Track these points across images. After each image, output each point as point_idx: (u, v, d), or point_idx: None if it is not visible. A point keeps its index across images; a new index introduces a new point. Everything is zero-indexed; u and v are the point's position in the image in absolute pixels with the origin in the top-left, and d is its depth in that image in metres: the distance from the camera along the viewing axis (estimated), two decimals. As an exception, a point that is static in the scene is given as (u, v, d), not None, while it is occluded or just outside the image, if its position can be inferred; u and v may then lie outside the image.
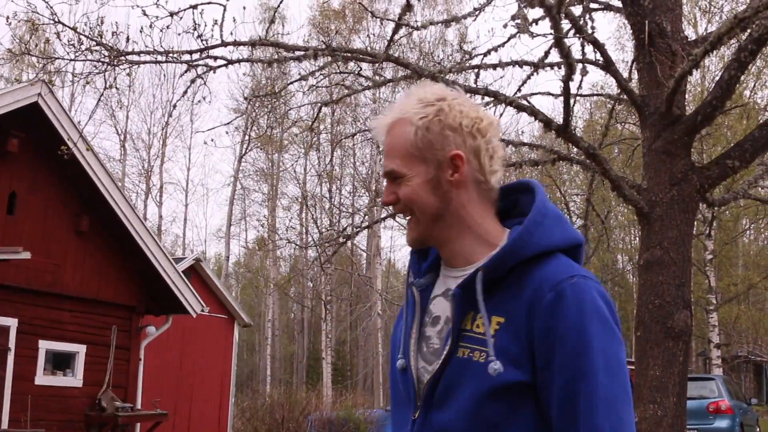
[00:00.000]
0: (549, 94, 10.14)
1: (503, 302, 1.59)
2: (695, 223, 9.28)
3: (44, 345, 12.91)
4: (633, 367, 7.92)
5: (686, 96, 8.75)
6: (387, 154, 1.68)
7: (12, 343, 12.41)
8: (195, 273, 19.28)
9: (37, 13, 7.80)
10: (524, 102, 8.31)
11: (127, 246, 13.80)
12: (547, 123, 7.65)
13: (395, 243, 71.59)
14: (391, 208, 1.72)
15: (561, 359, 1.51)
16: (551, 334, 1.52)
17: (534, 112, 7.84)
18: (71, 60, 7.83)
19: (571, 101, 7.57)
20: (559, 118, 8.03)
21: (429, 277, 1.73)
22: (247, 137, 35.47)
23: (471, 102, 1.69)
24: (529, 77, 9.34)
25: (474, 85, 8.70)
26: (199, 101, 9.03)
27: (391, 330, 1.86)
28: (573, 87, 7.64)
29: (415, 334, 1.70)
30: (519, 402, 1.54)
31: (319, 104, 10.98)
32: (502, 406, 1.54)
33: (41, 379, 12.85)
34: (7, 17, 8.85)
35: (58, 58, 8.52)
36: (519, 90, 9.31)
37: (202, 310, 15.12)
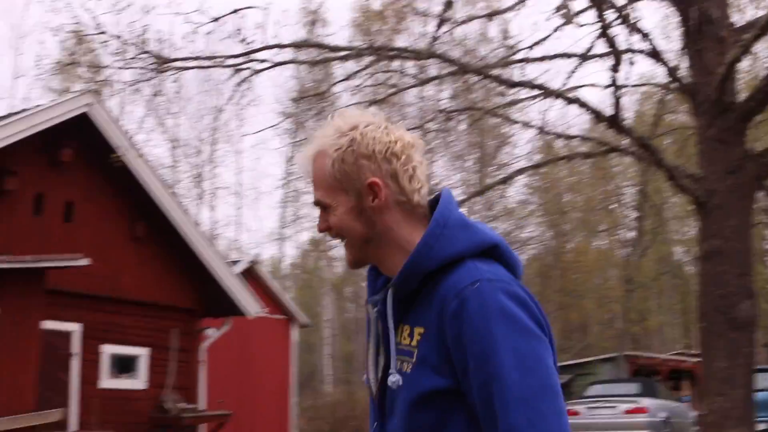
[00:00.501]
0: (597, 85, 10.05)
1: (423, 313, 1.64)
2: (755, 211, 9.13)
3: (107, 349, 13.24)
4: (699, 359, 7.82)
5: (737, 83, 8.61)
6: (313, 185, 1.76)
7: (77, 347, 12.74)
8: (251, 275, 19.46)
9: (83, 24, 7.97)
10: (572, 95, 8.26)
11: (183, 250, 14.04)
12: (596, 114, 7.60)
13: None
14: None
15: (473, 364, 1.55)
16: (460, 341, 1.56)
17: (583, 104, 7.80)
18: (119, 68, 8.01)
19: (620, 92, 7.51)
20: (607, 111, 7.97)
21: (383, 292, 1.74)
22: (295, 139, 35.74)
23: (386, 126, 1.73)
24: (575, 69, 9.27)
25: (520, 79, 8.68)
26: (246, 104, 9.14)
27: None
28: (621, 77, 7.58)
29: (372, 349, 1.76)
30: (449, 408, 1.60)
31: (366, 103, 11.05)
32: (432, 413, 1.60)
33: (106, 382, 13.16)
34: (54, 29, 9.08)
35: (106, 67, 8.71)
36: (566, 82, 9.26)
37: (260, 312, 15.30)
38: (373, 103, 11.85)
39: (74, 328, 12.75)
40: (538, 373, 1.53)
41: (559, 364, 1.70)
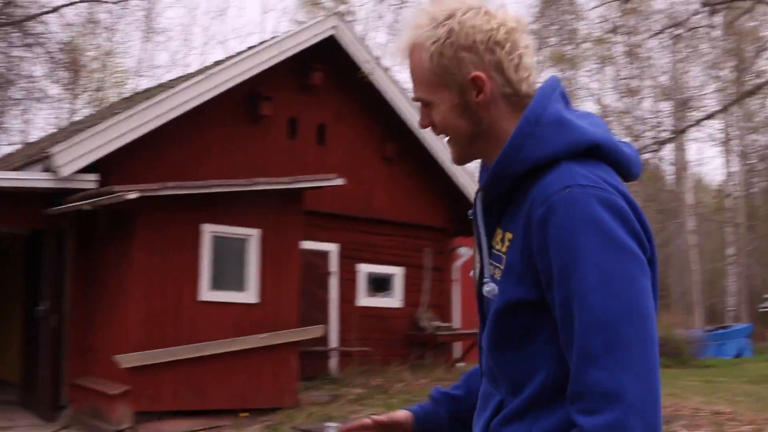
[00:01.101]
0: None
1: (514, 218, 1.52)
2: None
3: (363, 268, 13.50)
4: None
5: None
6: (413, 81, 1.62)
7: (334, 266, 13.09)
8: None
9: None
10: None
11: (433, 170, 13.93)
12: None
13: (703, 155, 67.19)
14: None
15: (557, 276, 1.41)
16: (546, 252, 1.42)
17: None
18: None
19: None
20: None
21: (475, 194, 1.65)
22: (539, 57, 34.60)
23: (487, 10, 1.54)
24: None
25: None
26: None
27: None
28: None
29: (477, 253, 1.64)
30: (533, 322, 1.49)
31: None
32: (515, 324, 1.50)
33: (363, 300, 13.47)
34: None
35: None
36: None
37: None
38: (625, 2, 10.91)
39: (331, 247, 13.10)
40: (625, 295, 1.37)
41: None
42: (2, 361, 13.44)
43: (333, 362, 12.86)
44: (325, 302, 12.93)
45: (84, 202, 9.51)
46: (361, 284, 13.52)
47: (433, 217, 14.34)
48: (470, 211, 1.67)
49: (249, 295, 10.42)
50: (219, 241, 10.26)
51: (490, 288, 1.54)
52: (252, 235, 10.49)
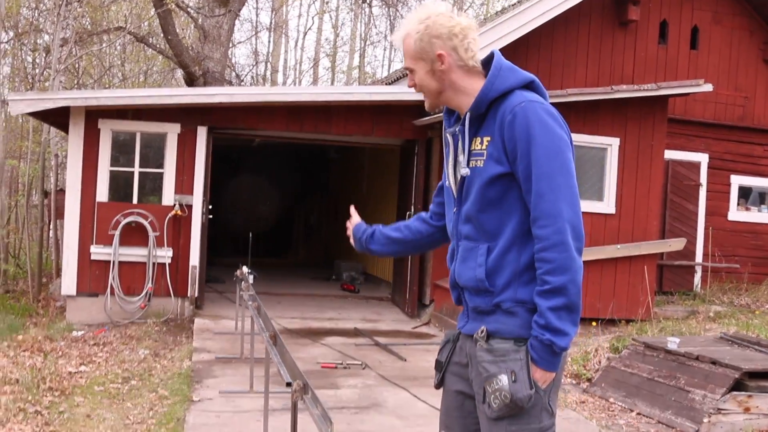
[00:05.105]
0: None
1: (489, 127, 2.52)
2: None
3: (736, 180, 12.67)
4: None
5: None
6: (404, 57, 2.65)
7: (703, 178, 12.44)
8: None
9: None
10: None
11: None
12: None
13: None
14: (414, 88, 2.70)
15: (519, 154, 2.42)
16: (512, 140, 2.43)
17: None
18: None
19: None
20: None
21: (462, 118, 2.62)
22: None
23: (450, 15, 2.56)
24: None
25: None
26: None
27: None
28: None
29: (452, 161, 2.67)
30: (507, 186, 2.48)
31: None
32: (496, 190, 2.49)
33: (734, 214, 12.68)
34: None
35: None
36: None
37: None
38: None
39: (701, 158, 12.44)
40: (559, 159, 2.39)
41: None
42: (379, 262, 14.86)
43: (696, 278, 12.36)
44: (691, 215, 12.38)
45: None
46: (734, 197, 12.70)
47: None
48: (454, 131, 2.64)
49: (606, 205, 10.35)
50: (577, 150, 10.21)
51: (465, 171, 2.56)
52: (611, 145, 10.33)
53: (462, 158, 2.59)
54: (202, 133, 10.68)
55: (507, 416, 2.42)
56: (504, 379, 2.40)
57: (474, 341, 2.55)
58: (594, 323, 9.79)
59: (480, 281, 2.52)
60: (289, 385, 3.49)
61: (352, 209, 3.29)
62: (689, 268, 12.29)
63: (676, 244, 10.74)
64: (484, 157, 2.49)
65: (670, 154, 11.78)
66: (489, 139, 2.49)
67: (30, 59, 18.37)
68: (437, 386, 2.76)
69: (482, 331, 2.50)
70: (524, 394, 2.37)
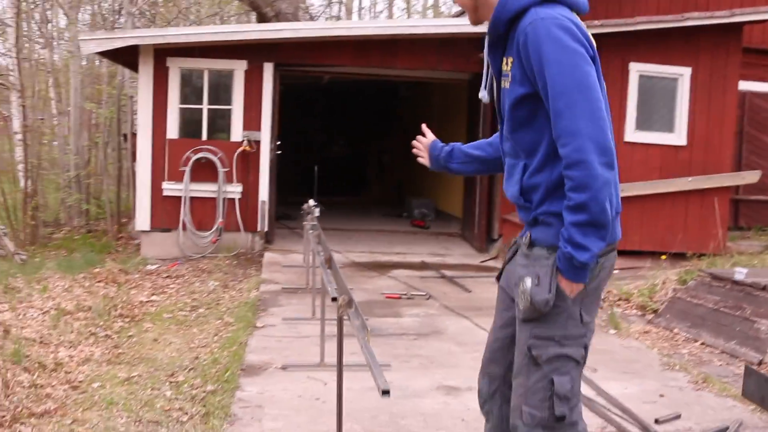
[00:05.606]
0: None
1: (511, 48, 2.54)
2: None
3: (818, 112, 12.19)
4: None
5: None
6: None
7: (782, 110, 12.01)
8: None
9: None
10: None
11: None
12: None
13: None
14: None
15: (537, 74, 2.43)
16: (529, 61, 2.44)
17: None
18: None
19: None
20: None
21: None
22: None
23: None
24: None
25: None
26: None
27: None
28: None
29: (488, 80, 2.75)
30: (535, 106, 2.52)
31: None
32: (525, 110, 2.55)
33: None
34: None
35: None
36: None
37: None
38: None
39: (780, 89, 11.99)
40: (574, 75, 2.37)
41: None
42: (450, 198, 14.86)
43: (774, 212, 12.02)
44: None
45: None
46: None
47: None
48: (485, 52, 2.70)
49: (677, 136, 10.10)
50: (646, 80, 10.01)
51: (482, 95, 2.77)
52: (682, 74, 10.04)
53: (488, 78, 2.72)
54: (268, 69, 10.77)
55: (531, 319, 2.52)
56: (528, 282, 2.50)
57: (518, 246, 2.71)
58: (663, 256, 9.64)
59: (517, 198, 2.63)
60: (334, 300, 3.59)
61: (424, 127, 3.29)
62: (766, 203, 11.95)
63: (751, 176, 10.45)
64: (509, 79, 2.54)
65: (746, 86, 11.38)
66: (512, 60, 2.52)
67: (107, 5, 18.72)
68: (497, 279, 2.88)
69: (527, 237, 2.62)
70: (541, 297, 2.46)
